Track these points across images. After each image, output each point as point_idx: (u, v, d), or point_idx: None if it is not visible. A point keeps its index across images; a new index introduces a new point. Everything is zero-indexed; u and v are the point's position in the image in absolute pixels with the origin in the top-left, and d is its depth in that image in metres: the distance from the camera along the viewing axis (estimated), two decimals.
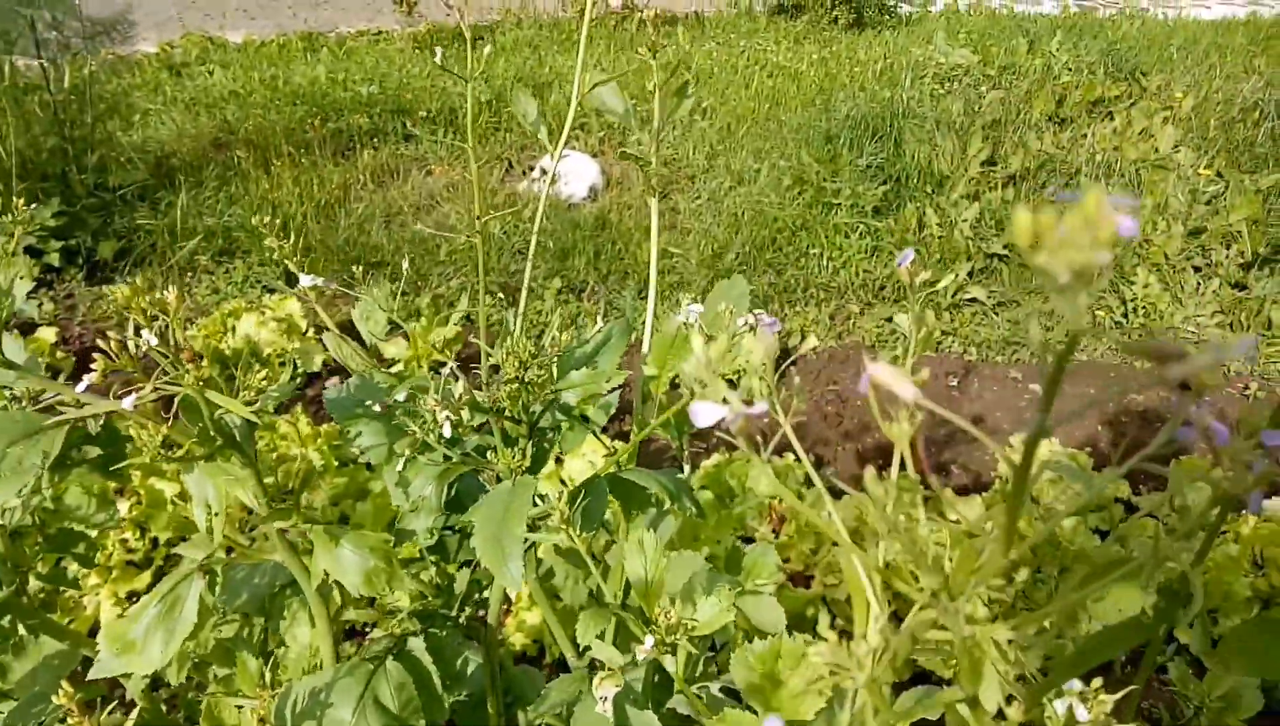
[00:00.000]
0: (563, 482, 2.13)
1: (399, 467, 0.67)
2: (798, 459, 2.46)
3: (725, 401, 0.40)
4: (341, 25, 6.55)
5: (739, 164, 4.14)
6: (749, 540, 1.98)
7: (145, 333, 0.50)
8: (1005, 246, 3.52)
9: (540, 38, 6.17)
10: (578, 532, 0.63)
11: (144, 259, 3.31)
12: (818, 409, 2.81)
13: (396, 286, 3.06)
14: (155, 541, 1.88)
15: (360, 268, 3.45)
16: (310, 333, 2.71)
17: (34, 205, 3.14)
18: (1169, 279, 3.40)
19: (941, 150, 4.07)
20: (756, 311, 0.65)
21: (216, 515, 0.59)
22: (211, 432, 0.59)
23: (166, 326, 0.51)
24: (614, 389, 0.72)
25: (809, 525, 1.96)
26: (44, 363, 2.56)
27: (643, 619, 0.65)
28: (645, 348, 0.85)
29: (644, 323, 0.93)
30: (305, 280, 0.69)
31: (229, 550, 0.73)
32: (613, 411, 0.87)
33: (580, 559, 0.63)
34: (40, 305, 3.00)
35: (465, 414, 0.64)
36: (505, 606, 1.86)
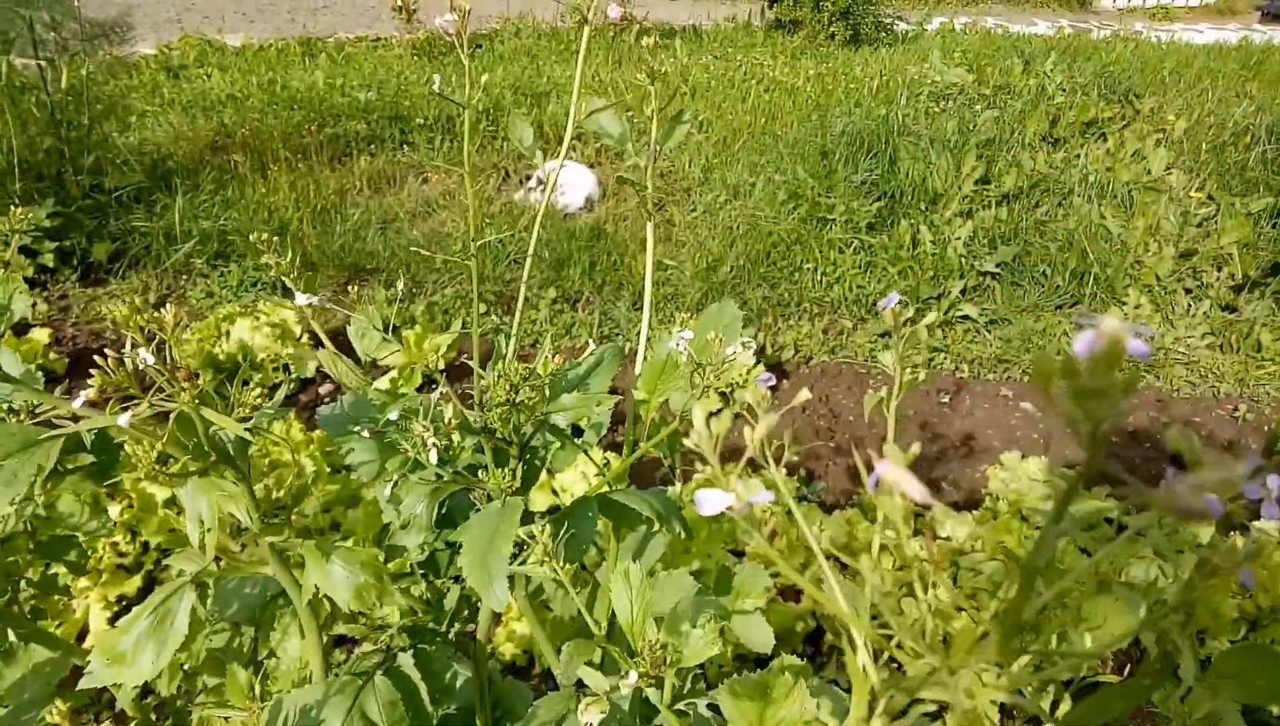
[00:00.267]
0: (554, 493, 2.13)
1: (391, 486, 0.68)
2: (789, 473, 2.46)
3: (730, 485, 0.41)
4: (340, 31, 6.56)
5: (734, 178, 4.16)
6: (740, 554, 1.98)
7: (143, 351, 0.51)
8: (997, 264, 3.55)
9: (539, 47, 6.19)
10: (561, 564, 0.64)
11: (138, 261, 3.31)
12: (810, 424, 2.82)
13: (392, 294, 3.06)
14: (146, 545, 1.88)
15: (356, 275, 3.45)
16: (304, 338, 2.71)
17: (29, 206, 3.14)
18: (1160, 300, 3.43)
19: (936, 168, 4.10)
20: (763, 375, 0.66)
21: (209, 530, 0.60)
22: (206, 448, 0.60)
23: (163, 343, 0.52)
24: (603, 410, 0.73)
25: (799, 540, 1.97)
26: (38, 364, 2.55)
27: (628, 650, 0.66)
28: (639, 364, 0.86)
29: (639, 334, 0.94)
30: (301, 298, 0.69)
31: (219, 559, 0.73)
32: (604, 430, 0.88)
33: (566, 587, 0.64)
34: (34, 306, 2.99)
35: (456, 437, 0.64)
36: (496, 618, 1.86)
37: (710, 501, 0.44)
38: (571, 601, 1.02)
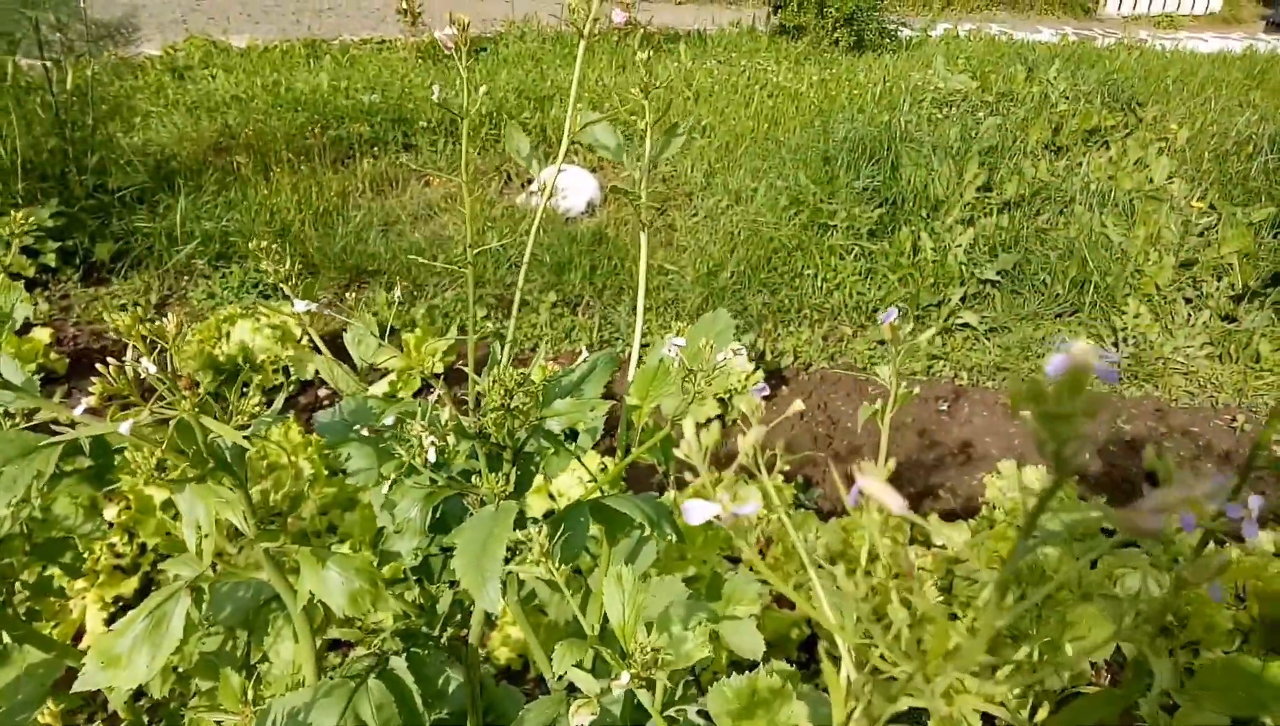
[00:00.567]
0: (551, 497, 2.14)
1: (385, 490, 0.68)
2: (786, 480, 2.46)
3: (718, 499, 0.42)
4: (345, 33, 6.58)
5: (736, 183, 4.17)
6: (737, 561, 1.99)
7: (145, 360, 0.52)
8: (998, 272, 3.55)
9: (543, 50, 6.21)
10: (556, 565, 0.65)
11: (141, 261, 3.32)
12: (809, 431, 2.82)
13: (392, 297, 3.06)
14: (143, 547, 1.88)
15: (357, 277, 3.45)
16: (305, 340, 2.72)
17: (33, 206, 3.15)
18: (1160, 309, 3.43)
19: (938, 175, 4.11)
20: (758, 386, 0.67)
21: (206, 536, 0.61)
22: (204, 455, 0.60)
23: (164, 352, 0.53)
24: (597, 416, 0.73)
25: (794, 547, 1.97)
26: (38, 363, 2.56)
27: (620, 652, 0.66)
28: (631, 371, 0.87)
29: (635, 338, 0.95)
30: (299, 306, 0.70)
31: (216, 563, 0.74)
32: (599, 436, 0.89)
33: (561, 587, 0.65)
34: (35, 305, 3.00)
35: (451, 439, 0.65)
36: (491, 623, 1.87)
37: (697, 511, 0.45)
38: (567, 606, 1.03)
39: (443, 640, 0.84)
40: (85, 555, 1.64)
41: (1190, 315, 3.41)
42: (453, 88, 4.86)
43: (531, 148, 0.92)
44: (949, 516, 2.44)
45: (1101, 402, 0.27)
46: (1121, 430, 2.91)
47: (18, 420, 0.71)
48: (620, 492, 0.87)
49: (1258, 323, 3.32)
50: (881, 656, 0.47)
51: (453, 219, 3.86)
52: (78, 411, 0.54)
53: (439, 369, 2.74)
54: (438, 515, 0.77)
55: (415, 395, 2.59)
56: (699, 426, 0.45)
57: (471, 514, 0.76)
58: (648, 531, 0.86)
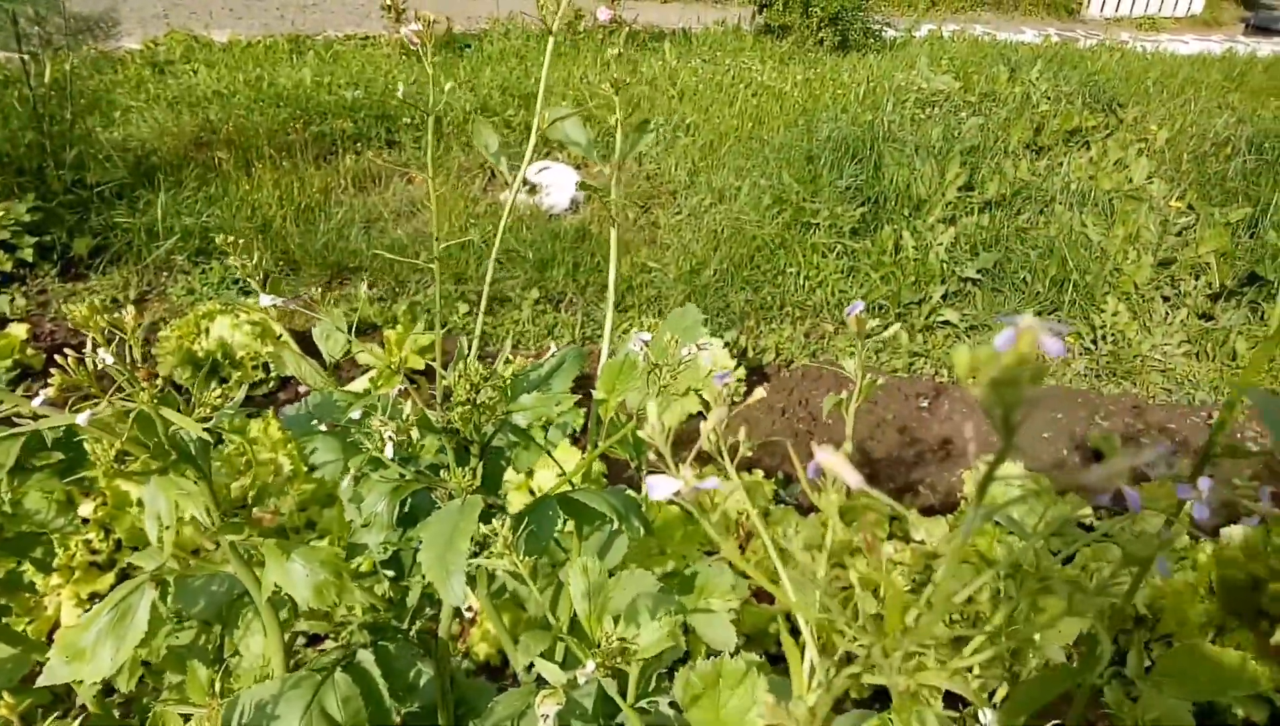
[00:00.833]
0: (532, 493, 2.14)
1: (352, 484, 0.68)
2: (766, 476, 2.47)
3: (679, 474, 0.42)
4: (329, 28, 6.55)
5: (720, 181, 4.18)
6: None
7: (102, 351, 0.52)
8: (979, 271, 3.58)
9: (527, 48, 6.20)
10: (521, 558, 0.65)
11: (120, 257, 3.29)
12: (790, 426, 2.83)
13: (372, 293, 3.05)
14: (119, 543, 1.87)
15: (338, 273, 3.44)
16: (284, 336, 2.71)
17: (9, 200, 3.12)
18: (1138, 308, 3.47)
19: (920, 174, 4.13)
20: (721, 373, 0.68)
21: (167, 528, 0.60)
22: (166, 447, 0.60)
23: (123, 343, 0.53)
24: (564, 410, 0.74)
25: (775, 542, 1.98)
26: (14, 359, 2.54)
27: (588, 643, 0.67)
28: (601, 367, 0.87)
29: (618, 336, 0.95)
30: (265, 300, 0.70)
31: (196, 552, 0.74)
32: (570, 430, 0.89)
33: (526, 580, 0.65)
34: (12, 301, 2.98)
35: (415, 433, 0.65)
36: (471, 617, 1.87)
37: (660, 486, 0.45)
38: (543, 600, 1.03)
39: (413, 634, 0.84)
40: (59, 551, 1.63)
41: (1168, 313, 3.44)
42: (437, 85, 4.84)
43: (512, 145, 0.92)
44: (928, 511, 2.46)
45: (1045, 371, 0.27)
46: (1099, 427, 2.93)
47: None
48: (598, 487, 0.88)
49: (1234, 321, 3.36)
50: (840, 633, 0.47)
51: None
52: (36, 402, 0.54)
53: (419, 365, 2.74)
54: (406, 509, 0.77)
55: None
56: (654, 367, 0.46)
57: (440, 508, 0.76)
58: (617, 525, 0.87)
